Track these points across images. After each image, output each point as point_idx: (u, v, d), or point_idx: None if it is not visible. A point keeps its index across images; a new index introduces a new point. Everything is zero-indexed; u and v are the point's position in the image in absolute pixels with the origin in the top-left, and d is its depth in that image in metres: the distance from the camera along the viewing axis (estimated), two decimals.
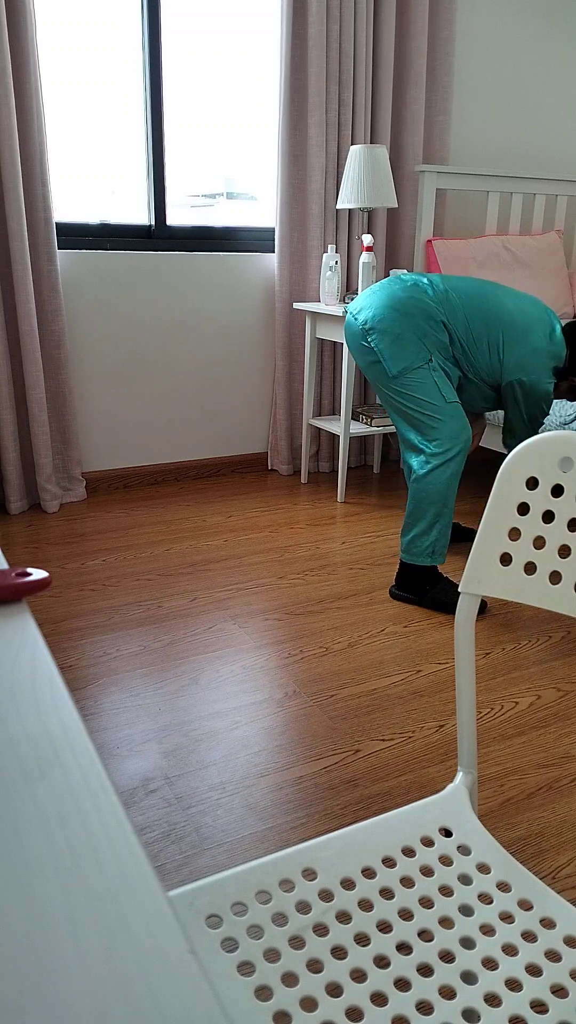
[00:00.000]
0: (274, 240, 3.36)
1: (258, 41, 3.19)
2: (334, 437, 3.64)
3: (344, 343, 3.04)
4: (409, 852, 0.84)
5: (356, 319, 2.24)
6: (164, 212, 3.15)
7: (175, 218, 3.22)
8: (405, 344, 2.14)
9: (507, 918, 0.78)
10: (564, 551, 0.84)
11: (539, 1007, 0.69)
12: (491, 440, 3.03)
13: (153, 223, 3.16)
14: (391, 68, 3.22)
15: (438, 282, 2.22)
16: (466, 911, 0.78)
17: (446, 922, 0.77)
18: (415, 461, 2.23)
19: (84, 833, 0.38)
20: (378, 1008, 0.68)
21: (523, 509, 0.86)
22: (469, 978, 0.71)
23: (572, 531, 0.83)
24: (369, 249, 3.02)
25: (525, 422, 2.32)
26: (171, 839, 1.42)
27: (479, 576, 0.89)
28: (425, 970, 0.72)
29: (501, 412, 2.94)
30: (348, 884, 0.79)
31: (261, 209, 3.42)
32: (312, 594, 2.40)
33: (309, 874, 0.80)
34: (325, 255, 3.12)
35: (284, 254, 3.26)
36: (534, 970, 0.72)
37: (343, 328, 3.04)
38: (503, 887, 0.81)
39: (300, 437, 3.58)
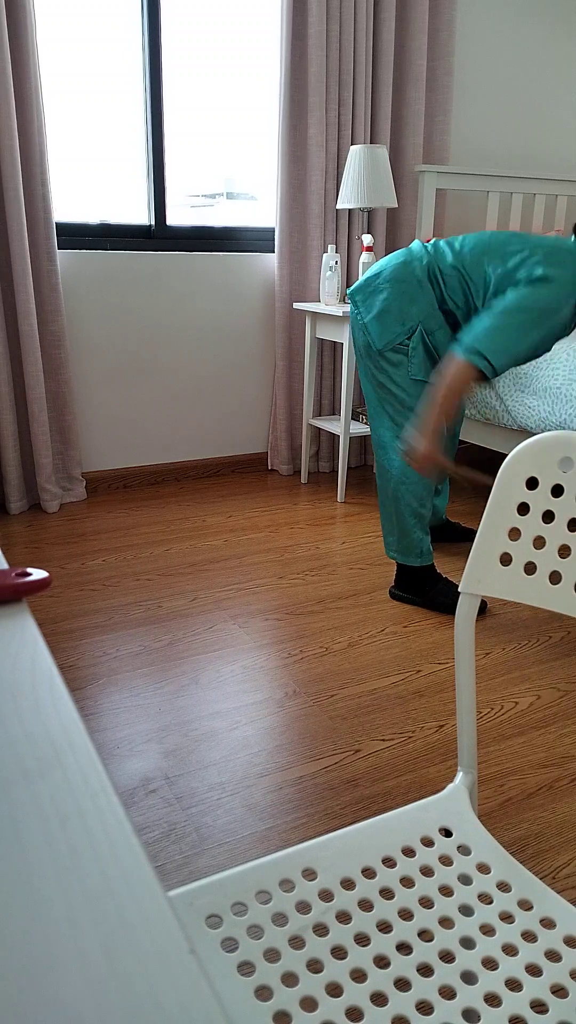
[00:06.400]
0: (274, 240, 3.36)
1: (258, 41, 3.19)
2: (334, 437, 3.64)
3: (344, 343, 3.04)
4: (409, 852, 0.84)
5: (350, 298, 2.22)
6: (164, 212, 3.15)
7: (175, 218, 3.22)
8: (387, 318, 2.10)
9: (507, 918, 0.78)
10: (564, 551, 0.84)
11: (539, 1007, 0.69)
12: (491, 440, 3.03)
13: (153, 223, 3.16)
14: (391, 68, 3.22)
15: (438, 242, 2.15)
16: (466, 911, 0.78)
17: (446, 922, 0.77)
18: (387, 461, 2.22)
19: (84, 833, 0.38)
20: (378, 1008, 0.68)
21: (523, 509, 0.86)
22: (469, 978, 0.71)
23: (572, 531, 0.83)
24: (369, 249, 3.02)
25: (503, 324, 1.88)
26: (171, 839, 1.42)
27: (479, 576, 0.89)
28: (425, 970, 0.72)
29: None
30: (348, 884, 0.79)
31: (261, 209, 3.42)
32: (312, 594, 2.40)
33: (309, 874, 0.80)
34: (325, 255, 3.12)
35: (284, 254, 3.26)
36: (534, 970, 0.72)
37: (347, 324, 3.04)
38: (503, 887, 0.81)
39: (300, 437, 3.58)
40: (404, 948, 0.74)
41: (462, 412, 2.60)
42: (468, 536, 2.80)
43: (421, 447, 1.97)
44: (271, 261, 3.38)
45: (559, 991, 0.71)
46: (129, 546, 2.74)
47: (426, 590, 2.31)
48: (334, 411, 3.58)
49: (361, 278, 2.20)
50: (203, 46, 3.09)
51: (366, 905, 0.77)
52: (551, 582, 0.85)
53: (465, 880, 0.82)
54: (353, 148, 2.99)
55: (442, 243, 2.10)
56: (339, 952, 0.72)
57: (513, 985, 0.71)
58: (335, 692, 1.89)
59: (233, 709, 1.81)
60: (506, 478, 0.86)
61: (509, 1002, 0.69)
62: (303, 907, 0.76)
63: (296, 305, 3.26)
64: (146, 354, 3.24)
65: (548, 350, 2.13)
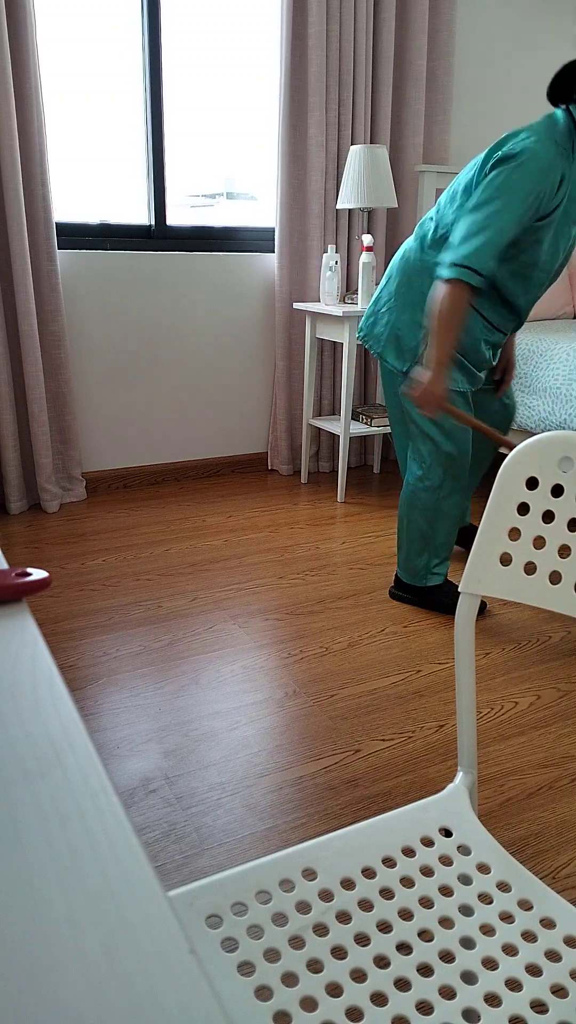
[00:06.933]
0: (274, 240, 3.36)
1: (258, 41, 3.19)
2: (334, 437, 3.64)
3: (344, 343, 3.04)
4: (409, 852, 0.84)
5: (362, 341, 2.19)
6: (164, 212, 3.15)
7: (175, 218, 3.22)
8: (399, 336, 2.05)
9: (507, 918, 0.78)
10: (564, 551, 0.84)
11: (539, 1007, 0.69)
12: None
13: (153, 223, 3.16)
14: (391, 68, 3.22)
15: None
16: (466, 911, 0.78)
17: (446, 922, 0.77)
18: (407, 477, 2.22)
19: (84, 833, 0.38)
20: (378, 1008, 0.68)
21: (523, 509, 0.86)
22: (469, 978, 0.71)
23: (572, 531, 0.83)
24: (369, 249, 3.02)
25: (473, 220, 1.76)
26: (171, 839, 1.42)
27: (479, 576, 0.89)
28: (425, 970, 0.72)
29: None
30: (348, 884, 0.79)
31: (261, 209, 3.42)
32: (312, 594, 2.40)
33: (309, 874, 0.80)
34: (325, 255, 3.12)
35: (284, 254, 3.26)
36: (534, 970, 0.72)
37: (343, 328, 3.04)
38: (503, 887, 0.81)
39: (300, 437, 3.58)
40: (404, 948, 0.74)
41: (511, 410, 2.39)
42: (471, 535, 2.80)
43: (425, 380, 1.86)
44: (271, 261, 3.38)
45: (559, 991, 0.71)
46: (129, 546, 2.74)
47: (422, 592, 2.31)
48: (334, 411, 3.58)
49: (364, 317, 2.17)
50: (203, 46, 3.09)
51: (366, 905, 0.77)
52: (551, 582, 0.85)
53: (465, 880, 0.82)
54: (353, 148, 2.99)
55: (424, 218, 2.05)
56: (339, 952, 0.72)
57: (513, 985, 0.71)
58: (335, 692, 1.89)
59: (233, 709, 1.81)
60: (506, 478, 0.86)
61: (509, 1002, 0.69)
62: (303, 907, 0.76)
63: (296, 305, 3.26)
64: (146, 354, 3.24)
65: (561, 249, 1.90)
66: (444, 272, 1.80)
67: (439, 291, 1.82)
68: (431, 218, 2.01)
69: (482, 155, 1.87)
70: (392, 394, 2.19)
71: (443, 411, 1.91)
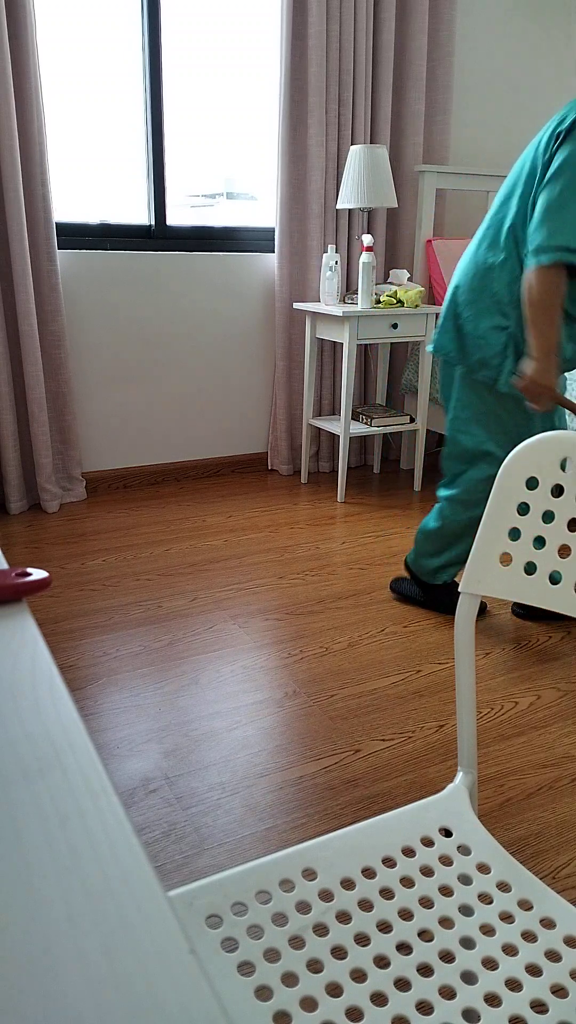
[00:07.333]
0: (274, 240, 3.36)
1: (258, 41, 3.19)
2: (334, 437, 3.64)
3: (344, 343, 3.04)
4: (409, 852, 0.84)
5: (440, 355, 2.03)
6: (164, 212, 3.15)
7: (175, 218, 3.22)
8: (485, 346, 1.91)
9: (507, 918, 0.78)
10: (564, 551, 0.84)
11: (539, 1007, 0.69)
12: None
13: (153, 223, 3.16)
14: (391, 68, 3.22)
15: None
16: (466, 911, 0.78)
17: (446, 922, 0.77)
18: (442, 491, 2.15)
19: (84, 833, 0.38)
20: (378, 1008, 0.68)
21: (523, 509, 0.86)
22: (469, 978, 0.71)
23: (572, 531, 0.83)
24: (369, 249, 3.02)
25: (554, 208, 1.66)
26: (171, 839, 1.42)
27: (479, 576, 0.89)
28: (425, 970, 0.72)
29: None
30: (348, 884, 0.79)
31: (261, 209, 3.42)
32: (312, 594, 2.40)
33: (309, 874, 0.80)
34: (325, 255, 3.12)
35: (284, 254, 3.26)
36: (534, 970, 0.72)
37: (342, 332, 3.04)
38: (503, 887, 0.81)
39: (300, 437, 3.58)
40: (404, 948, 0.74)
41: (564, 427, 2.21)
42: None
43: (530, 371, 1.77)
44: (271, 261, 3.38)
45: (559, 991, 0.71)
46: (129, 546, 2.74)
47: (429, 588, 2.31)
48: (334, 411, 3.58)
49: (438, 334, 2.01)
50: (203, 46, 3.09)
51: (366, 905, 0.77)
52: (551, 582, 0.85)
53: (465, 880, 0.82)
54: (353, 148, 2.98)
55: (484, 226, 1.93)
56: (339, 952, 0.72)
57: (513, 985, 0.71)
58: (335, 692, 1.89)
59: (233, 709, 1.81)
60: (506, 478, 0.86)
61: (509, 1002, 0.69)
62: (303, 907, 0.76)
63: (296, 305, 3.26)
64: (146, 354, 3.24)
65: None
66: (536, 259, 1.71)
67: (532, 278, 1.72)
68: (491, 220, 1.89)
69: (540, 144, 1.76)
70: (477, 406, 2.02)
71: (555, 402, 1.82)
